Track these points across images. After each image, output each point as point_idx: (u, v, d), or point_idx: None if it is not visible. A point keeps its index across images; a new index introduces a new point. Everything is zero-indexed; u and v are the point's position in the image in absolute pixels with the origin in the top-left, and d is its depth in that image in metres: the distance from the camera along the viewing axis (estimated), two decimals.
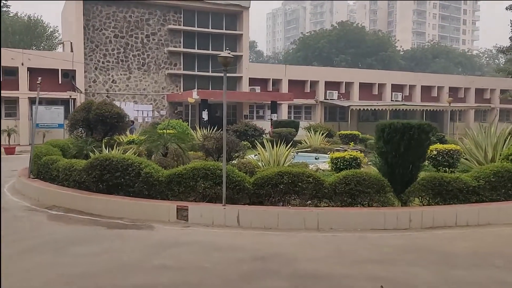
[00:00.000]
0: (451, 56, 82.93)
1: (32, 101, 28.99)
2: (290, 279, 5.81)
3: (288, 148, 13.08)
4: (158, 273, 5.98)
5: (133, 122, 27.28)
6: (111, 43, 32.59)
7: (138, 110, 33.16)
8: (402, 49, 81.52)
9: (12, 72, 29.78)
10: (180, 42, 34.45)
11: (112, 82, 32.75)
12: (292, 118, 34.85)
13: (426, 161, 11.34)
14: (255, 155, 14.23)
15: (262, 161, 12.73)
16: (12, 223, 8.71)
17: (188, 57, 34.84)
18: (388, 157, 9.20)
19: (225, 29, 35.64)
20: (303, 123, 29.35)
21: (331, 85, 38.89)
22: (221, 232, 8.13)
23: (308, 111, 38.91)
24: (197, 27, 34.77)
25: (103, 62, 32.44)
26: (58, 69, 30.52)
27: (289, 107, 37.33)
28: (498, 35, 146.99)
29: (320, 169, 13.05)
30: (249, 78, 35.64)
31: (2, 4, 35.38)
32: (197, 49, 34.90)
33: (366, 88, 40.34)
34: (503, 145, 12.23)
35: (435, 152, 12.68)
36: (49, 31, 54.82)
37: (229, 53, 8.86)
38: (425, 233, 8.11)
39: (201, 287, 5.60)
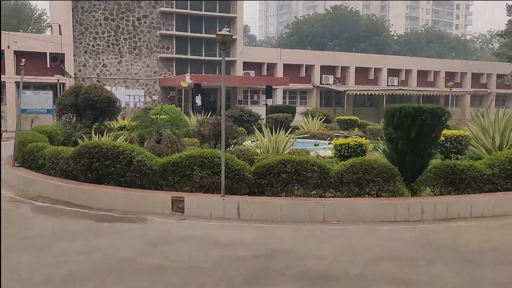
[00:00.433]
0: (445, 41, 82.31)
1: (19, 85, 28.01)
2: (299, 280, 5.23)
3: (288, 135, 12.47)
4: (153, 275, 5.37)
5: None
6: (101, 25, 31.58)
7: (129, 95, 32.32)
8: (396, 33, 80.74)
9: None
10: (172, 25, 33.49)
11: (102, 66, 31.83)
12: (288, 103, 34.19)
13: None
14: (252, 142, 13.64)
15: (260, 148, 12.13)
16: None
17: (181, 41, 33.93)
18: (398, 143, 8.64)
19: (219, 12, 34.70)
20: (299, 108, 28.69)
21: (326, 70, 38.25)
22: (220, 225, 7.56)
23: (304, 96, 38.26)
24: (190, 9, 33.78)
25: (93, 46, 31.47)
26: (46, 53, 29.65)
27: (284, 92, 36.63)
28: (492, 20, 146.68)
29: (321, 156, 12.48)
30: (243, 62, 34.84)
31: None
32: (190, 32, 33.99)
33: (362, 73, 39.74)
34: (511, 131, 11.73)
35: (442, 138, 12.05)
36: (37, 13, 53.38)
37: (228, 31, 8.17)
38: (439, 226, 7.57)
39: None
